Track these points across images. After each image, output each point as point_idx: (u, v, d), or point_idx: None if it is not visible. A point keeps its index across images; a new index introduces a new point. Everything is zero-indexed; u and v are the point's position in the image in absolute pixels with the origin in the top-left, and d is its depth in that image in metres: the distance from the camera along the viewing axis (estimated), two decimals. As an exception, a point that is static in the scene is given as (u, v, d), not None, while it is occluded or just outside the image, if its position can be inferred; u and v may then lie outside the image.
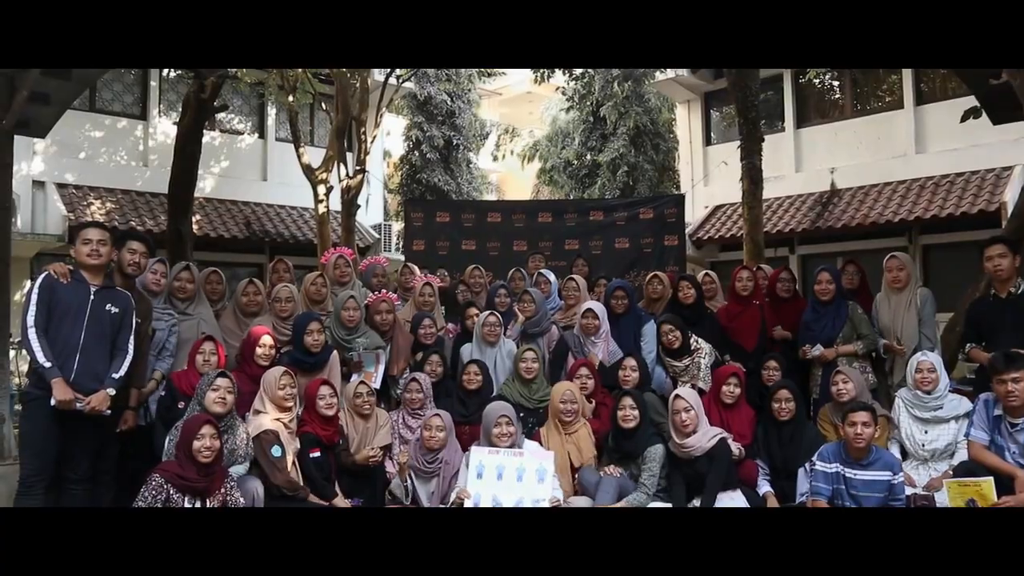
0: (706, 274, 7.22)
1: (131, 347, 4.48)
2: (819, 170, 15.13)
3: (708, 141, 17.41)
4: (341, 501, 4.86)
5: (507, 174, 29.61)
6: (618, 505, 4.77)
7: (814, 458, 4.62)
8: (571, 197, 20.79)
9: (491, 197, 25.56)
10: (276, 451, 4.56)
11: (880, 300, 5.93)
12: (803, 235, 14.64)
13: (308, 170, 13.05)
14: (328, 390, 5.00)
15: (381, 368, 5.66)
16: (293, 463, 4.68)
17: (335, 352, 5.48)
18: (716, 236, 15.87)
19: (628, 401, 5.11)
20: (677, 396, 4.97)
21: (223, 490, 4.09)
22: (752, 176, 10.12)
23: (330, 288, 6.24)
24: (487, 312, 6.15)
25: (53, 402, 4.09)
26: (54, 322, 4.24)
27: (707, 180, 16.97)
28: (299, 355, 5.30)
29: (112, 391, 4.33)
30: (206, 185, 15.25)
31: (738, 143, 10.50)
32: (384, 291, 6.15)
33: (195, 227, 14.24)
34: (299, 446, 4.75)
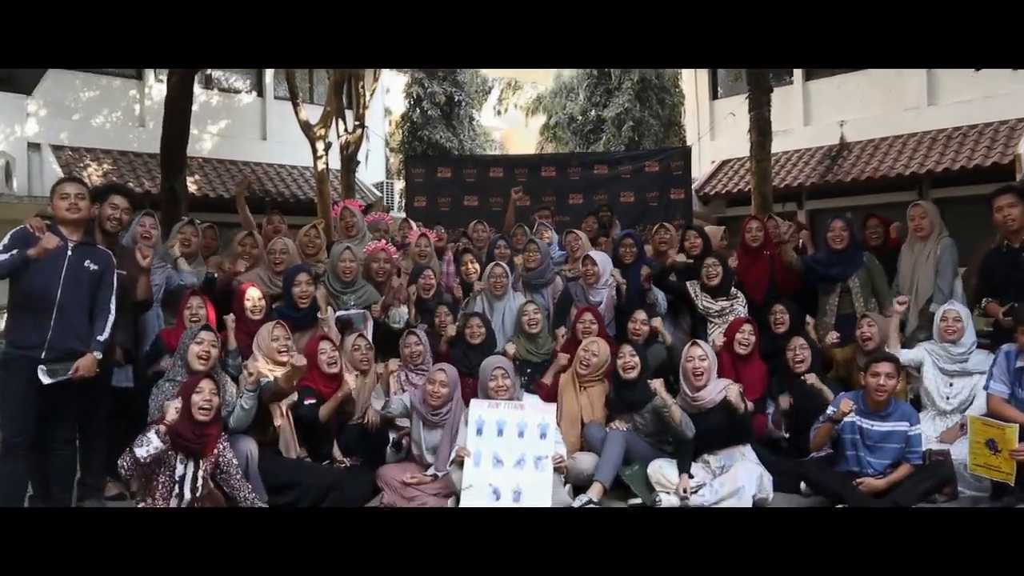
0: (724, 229, 7.05)
1: (113, 307, 4.30)
2: (828, 123, 14.82)
3: (715, 95, 17.01)
4: (338, 454, 4.79)
5: (510, 131, 29.24)
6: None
7: (829, 408, 4.44)
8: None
9: (495, 154, 25.23)
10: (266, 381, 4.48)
11: (904, 249, 5.78)
12: (812, 189, 14.40)
13: (306, 127, 12.79)
14: (328, 345, 4.86)
15: (370, 326, 5.50)
16: (285, 413, 4.54)
17: (330, 309, 5.31)
18: (723, 191, 15.63)
19: (628, 349, 4.99)
20: (694, 343, 4.79)
21: (216, 451, 3.94)
22: (760, 128, 9.86)
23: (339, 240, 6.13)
24: (493, 263, 5.99)
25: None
26: (28, 277, 4.05)
27: (713, 134, 16.66)
28: (288, 310, 5.15)
29: (99, 355, 4.18)
30: (204, 145, 15.17)
31: (745, 95, 10.23)
32: (384, 241, 5.99)
33: (194, 187, 14.25)
34: (296, 398, 4.60)
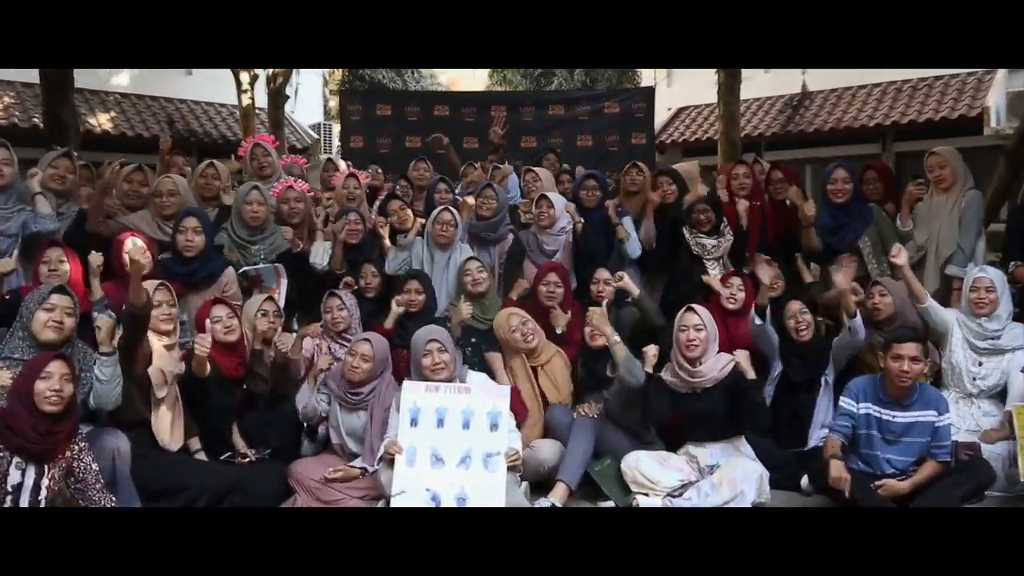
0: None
1: None
2: (789, 71, 13.91)
3: (673, 38, 16.19)
4: (241, 445, 3.92)
5: (457, 74, 28.03)
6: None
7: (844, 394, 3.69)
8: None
9: (440, 90, 24.04)
10: None
11: (923, 203, 5.00)
12: (771, 140, 13.91)
13: (230, 57, 11.61)
14: (224, 310, 3.94)
15: (284, 283, 4.56)
16: (176, 397, 3.63)
17: (230, 269, 4.40)
18: (680, 140, 15.07)
19: (598, 311, 4.10)
20: (689, 308, 3.91)
21: (69, 454, 2.99)
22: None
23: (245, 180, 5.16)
24: (441, 207, 5.09)
25: None
26: None
27: (670, 80, 15.91)
28: (171, 263, 4.21)
29: None
30: (123, 79, 14.20)
31: None
32: (292, 178, 5.03)
33: (109, 124, 13.12)
34: (180, 370, 3.68)
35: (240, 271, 4.44)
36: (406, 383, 3.73)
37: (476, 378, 3.92)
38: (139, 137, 13.30)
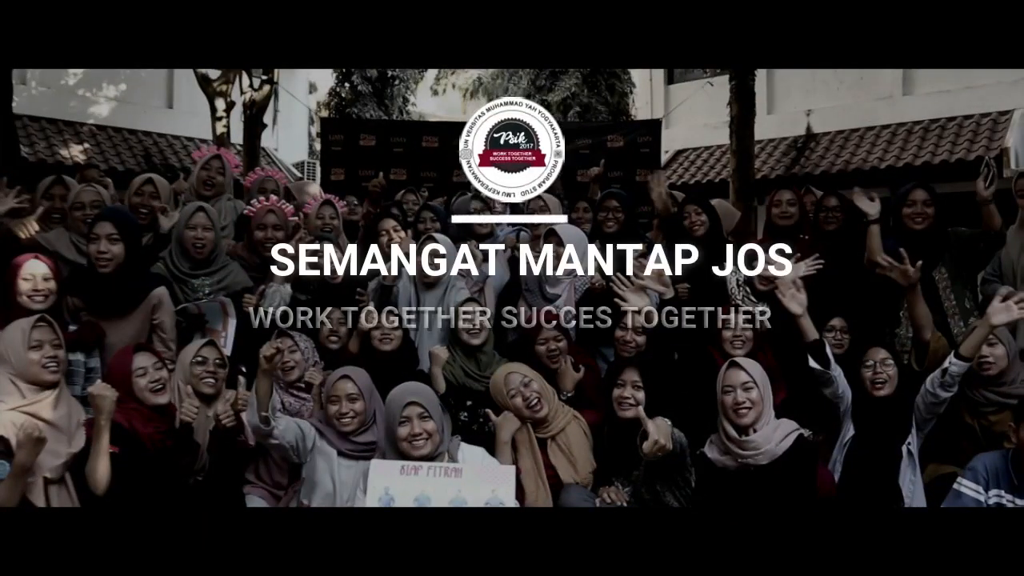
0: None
1: None
2: (794, 112, 13.94)
3: (670, 79, 15.80)
4: None
5: (448, 117, 27.72)
6: None
7: (961, 475, 2.92)
8: (518, 139, 18.96)
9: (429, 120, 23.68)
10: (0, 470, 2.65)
11: (1011, 233, 4.37)
12: (775, 183, 13.29)
13: (204, 82, 11.03)
14: (149, 359, 3.10)
15: (232, 324, 3.72)
16: (60, 480, 2.78)
17: (162, 289, 3.58)
18: (678, 183, 14.49)
19: (631, 376, 3.33)
20: (733, 364, 3.15)
21: None
22: (743, 100, 8.52)
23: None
24: (425, 236, 4.32)
25: None
26: None
27: (667, 122, 15.45)
28: (85, 283, 3.44)
29: None
30: (100, 110, 13.97)
31: (705, 81, 9.01)
32: (274, 197, 4.25)
33: (82, 157, 12.58)
34: (78, 448, 2.85)
35: (178, 308, 3.64)
36: (374, 463, 2.88)
37: (470, 454, 3.09)
38: (113, 171, 12.51)
